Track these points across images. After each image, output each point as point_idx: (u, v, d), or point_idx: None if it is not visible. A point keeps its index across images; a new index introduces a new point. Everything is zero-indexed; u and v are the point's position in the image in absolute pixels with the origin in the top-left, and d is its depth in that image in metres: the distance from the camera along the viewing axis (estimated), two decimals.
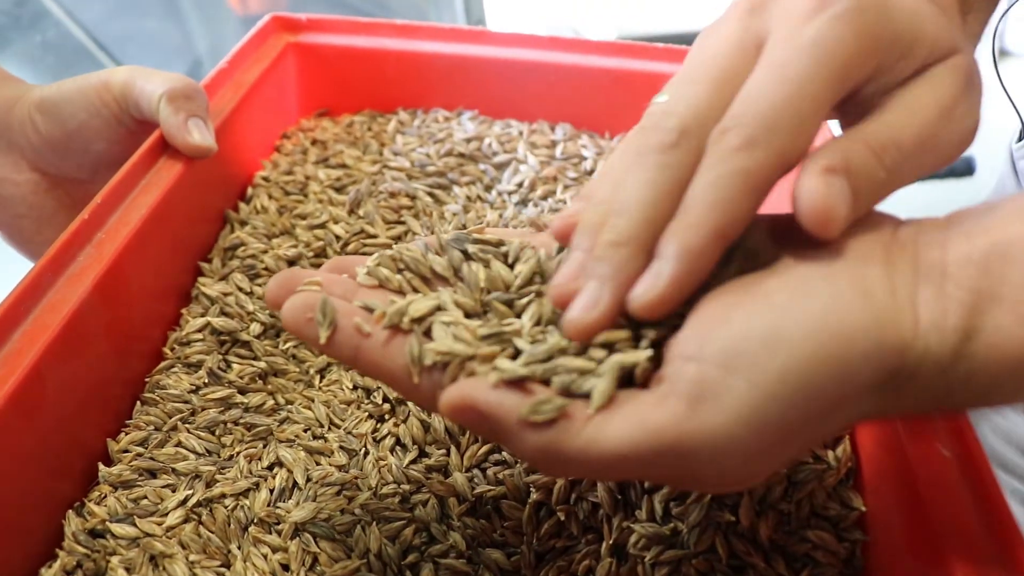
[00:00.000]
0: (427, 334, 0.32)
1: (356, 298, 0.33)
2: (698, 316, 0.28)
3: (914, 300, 0.27)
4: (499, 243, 0.36)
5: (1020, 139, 0.66)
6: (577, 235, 0.30)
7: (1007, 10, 0.70)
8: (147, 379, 0.46)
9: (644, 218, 0.28)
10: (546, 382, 0.29)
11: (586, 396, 0.28)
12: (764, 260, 0.29)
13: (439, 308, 0.32)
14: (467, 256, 0.35)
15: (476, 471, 0.42)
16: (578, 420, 0.27)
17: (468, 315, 0.33)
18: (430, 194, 0.58)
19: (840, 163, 0.28)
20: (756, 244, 0.30)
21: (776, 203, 0.32)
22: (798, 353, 0.26)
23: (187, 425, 0.44)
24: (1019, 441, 0.66)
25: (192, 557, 0.38)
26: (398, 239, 0.54)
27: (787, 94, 0.27)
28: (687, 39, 0.64)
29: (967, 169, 1.31)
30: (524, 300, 0.33)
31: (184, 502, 0.40)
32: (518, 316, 0.32)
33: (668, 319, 0.29)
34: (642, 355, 0.28)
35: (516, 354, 0.30)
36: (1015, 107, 0.68)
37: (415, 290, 0.34)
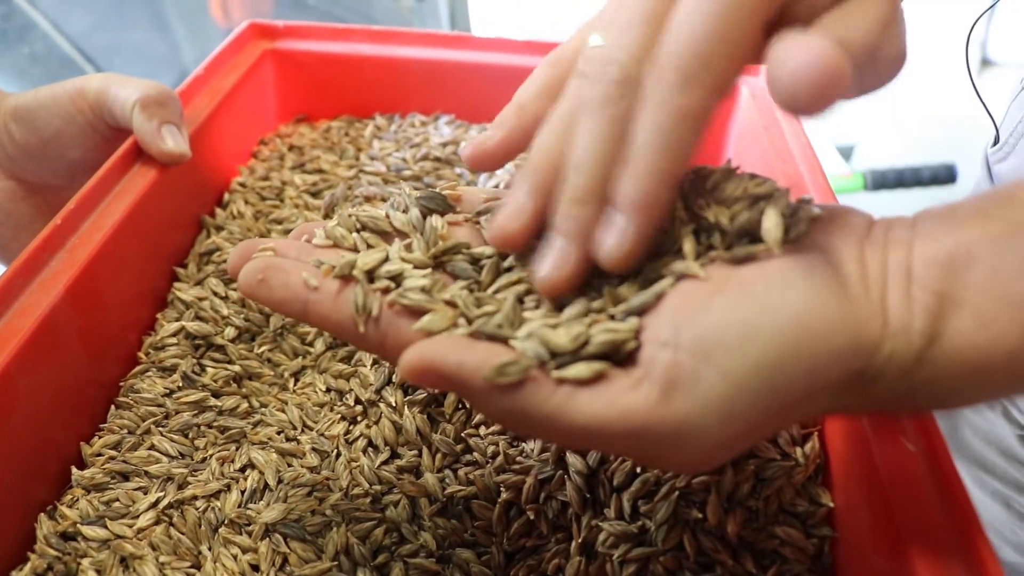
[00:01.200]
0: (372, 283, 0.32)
1: (310, 258, 0.33)
2: (676, 300, 0.28)
3: (884, 301, 0.27)
4: None
5: (995, 144, 0.67)
6: (520, 176, 0.30)
7: (979, 18, 0.70)
8: (121, 383, 0.46)
9: (601, 174, 0.28)
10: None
11: (556, 356, 0.28)
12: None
13: (387, 259, 0.33)
14: (430, 212, 0.35)
15: (447, 471, 0.42)
16: (546, 385, 0.27)
17: (416, 268, 0.33)
18: None
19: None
20: None
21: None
22: (772, 348, 0.26)
23: (160, 428, 0.44)
24: (998, 442, 0.66)
25: (162, 558, 0.38)
26: None
27: (715, 24, 0.27)
28: None
29: (949, 177, 1.31)
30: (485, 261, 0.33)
31: (155, 504, 0.40)
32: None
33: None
34: (629, 333, 0.28)
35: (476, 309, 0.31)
36: (990, 114, 0.69)
37: (370, 247, 0.34)
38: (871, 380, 0.28)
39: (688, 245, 0.30)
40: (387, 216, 0.35)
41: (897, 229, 0.29)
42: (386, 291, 0.31)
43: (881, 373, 0.27)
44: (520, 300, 0.31)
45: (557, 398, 0.27)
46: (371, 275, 0.32)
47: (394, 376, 0.45)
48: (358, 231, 0.35)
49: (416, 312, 0.31)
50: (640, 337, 0.28)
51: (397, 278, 0.32)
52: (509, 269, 0.33)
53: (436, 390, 0.44)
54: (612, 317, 0.29)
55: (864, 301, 0.27)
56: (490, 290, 0.32)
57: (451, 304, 0.31)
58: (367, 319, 0.31)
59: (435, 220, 0.34)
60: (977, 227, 0.28)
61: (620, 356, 0.28)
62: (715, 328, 0.26)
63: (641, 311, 0.29)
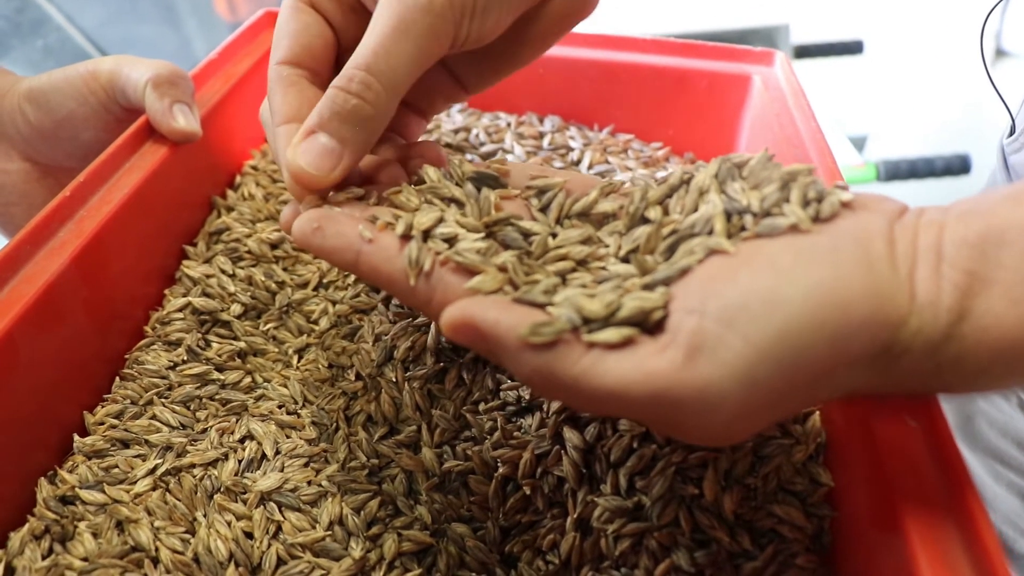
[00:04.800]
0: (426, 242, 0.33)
1: (365, 212, 0.35)
2: (704, 272, 0.29)
3: (912, 277, 0.28)
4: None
5: (1011, 134, 0.66)
6: None
7: (994, 7, 0.70)
8: (127, 356, 0.47)
9: None
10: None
11: (588, 322, 0.29)
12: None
13: (442, 220, 0.34)
14: (482, 187, 0.37)
15: (446, 447, 0.42)
16: (577, 348, 0.28)
17: (470, 232, 0.34)
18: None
19: (315, 123, 0.35)
20: None
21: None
22: (796, 316, 0.26)
23: (163, 399, 0.45)
24: (1015, 434, 0.65)
25: (157, 523, 0.39)
26: None
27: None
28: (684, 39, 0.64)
29: (963, 167, 1.29)
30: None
31: (153, 471, 0.41)
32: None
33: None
34: (659, 301, 0.29)
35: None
36: (1006, 105, 0.68)
37: (426, 204, 0.36)
38: (898, 356, 0.28)
39: (719, 224, 0.31)
40: (442, 181, 0.37)
41: (929, 213, 0.30)
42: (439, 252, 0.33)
43: (908, 349, 0.28)
44: (564, 275, 0.33)
45: (586, 360, 0.27)
46: (427, 234, 0.33)
47: (395, 352, 0.45)
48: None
49: (468, 271, 0.32)
50: (669, 306, 0.29)
51: (452, 240, 0.33)
52: (559, 246, 0.34)
53: (440, 365, 0.44)
54: (644, 287, 0.30)
55: (891, 276, 0.28)
56: (539, 262, 0.33)
57: (502, 269, 0.32)
58: (419, 273, 0.32)
59: (488, 192, 0.36)
60: (1009, 212, 0.28)
61: (649, 324, 0.29)
62: (740, 296, 0.27)
63: (669, 281, 0.30)
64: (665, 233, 0.32)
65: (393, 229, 0.34)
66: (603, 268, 0.33)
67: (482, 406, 0.43)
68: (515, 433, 0.41)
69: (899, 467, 0.33)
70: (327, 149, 0.35)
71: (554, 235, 0.35)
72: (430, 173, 0.37)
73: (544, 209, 0.37)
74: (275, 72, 0.38)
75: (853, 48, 1.61)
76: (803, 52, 1.61)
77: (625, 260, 0.33)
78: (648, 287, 0.30)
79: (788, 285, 0.27)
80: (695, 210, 0.33)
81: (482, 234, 0.34)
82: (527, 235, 0.35)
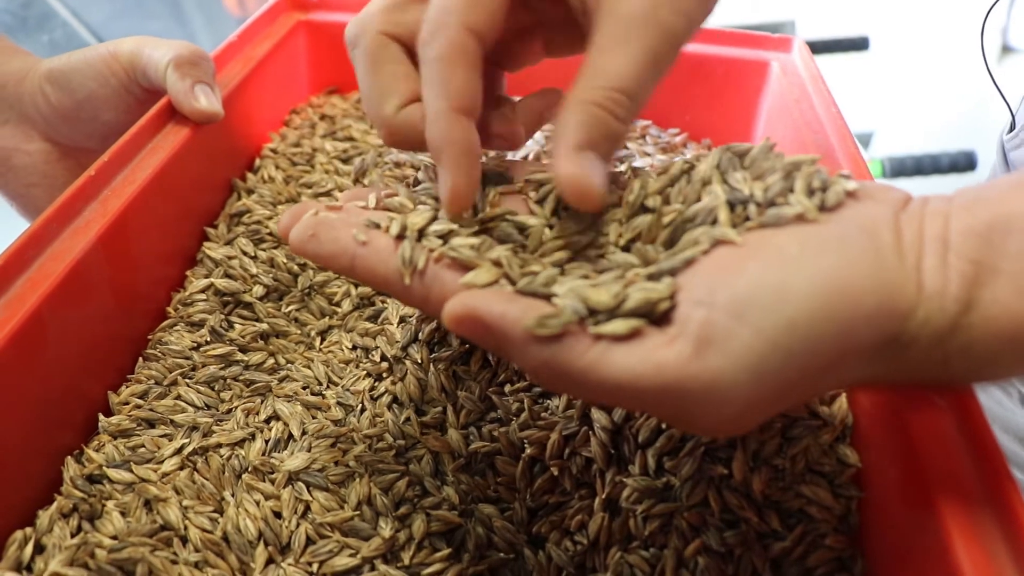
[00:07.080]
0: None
1: (361, 218, 0.34)
2: (711, 263, 0.29)
3: (919, 268, 0.28)
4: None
5: (1011, 130, 0.66)
6: None
7: (994, 4, 0.70)
8: (150, 337, 0.47)
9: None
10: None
11: (594, 314, 0.28)
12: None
13: (436, 219, 0.34)
14: (484, 184, 0.36)
15: (472, 428, 0.42)
16: (583, 340, 0.27)
17: (463, 228, 0.34)
18: None
19: (585, 140, 0.31)
20: None
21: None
22: (805, 307, 0.26)
23: (187, 380, 0.45)
24: (1018, 431, 0.66)
25: (186, 502, 0.38)
26: None
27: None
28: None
29: (969, 164, 1.29)
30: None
31: (180, 450, 0.41)
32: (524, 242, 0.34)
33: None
34: (665, 292, 0.28)
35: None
36: (1005, 100, 0.68)
37: (421, 205, 0.35)
38: (906, 346, 0.28)
39: (723, 214, 0.31)
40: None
41: (934, 203, 0.29)
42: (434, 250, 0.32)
43: (916, 339, 0.28)
44: (562, 266, 0.32)
45: (593, 353, 0.27)
46: (421, 233, 0.33)
47: (420, 334, 0.45)
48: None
49: (462, 267, 0.31)
50: (675, 298, 0.28)
51: (446, 237, 0.33)
52: (554, 238, 0.34)
53: (466, 347, 0.44)
54: (649, 277, 0.29)
55: (899, 267, 0.27)
56: (535, 255, 0.33)
57: (496, 263, 0.31)
58: (413, 272, 0.31)
59: (488, 190, 0.35)
60: (1015, 200, 0.28)
61: (656, 315, 0.28)
62: (749, 288, 0.26)
63: (674, 272, 0.29)
64: (666, 222, 0.32)
65: (387, 231, 0.33)
66: (603, 258, 0.33)
67: (508, 387, 0.43)
68: (542, 414, 0.41)
69: (930, 447, 0.33)
70: (599, 168, 0.32)
71: (551, 227, 0.34)
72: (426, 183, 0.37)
73: (541, 201, 0.36)
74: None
75: (859, 44, 1.61)
76: (809, 48, 1.61)
77: (626, 249, 0.33)
78: (653, 277, 0.30)
79: (797, 276, 0.26)
80: (697, 200, 0.32)
81: (475, 229, 0.33)
82: (522, 229, 0.34)
